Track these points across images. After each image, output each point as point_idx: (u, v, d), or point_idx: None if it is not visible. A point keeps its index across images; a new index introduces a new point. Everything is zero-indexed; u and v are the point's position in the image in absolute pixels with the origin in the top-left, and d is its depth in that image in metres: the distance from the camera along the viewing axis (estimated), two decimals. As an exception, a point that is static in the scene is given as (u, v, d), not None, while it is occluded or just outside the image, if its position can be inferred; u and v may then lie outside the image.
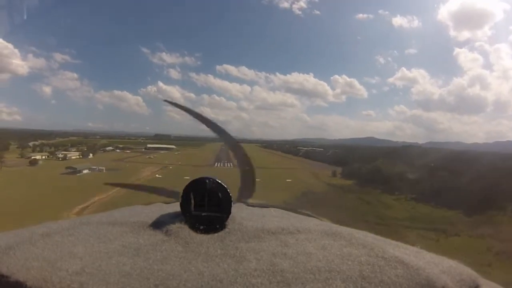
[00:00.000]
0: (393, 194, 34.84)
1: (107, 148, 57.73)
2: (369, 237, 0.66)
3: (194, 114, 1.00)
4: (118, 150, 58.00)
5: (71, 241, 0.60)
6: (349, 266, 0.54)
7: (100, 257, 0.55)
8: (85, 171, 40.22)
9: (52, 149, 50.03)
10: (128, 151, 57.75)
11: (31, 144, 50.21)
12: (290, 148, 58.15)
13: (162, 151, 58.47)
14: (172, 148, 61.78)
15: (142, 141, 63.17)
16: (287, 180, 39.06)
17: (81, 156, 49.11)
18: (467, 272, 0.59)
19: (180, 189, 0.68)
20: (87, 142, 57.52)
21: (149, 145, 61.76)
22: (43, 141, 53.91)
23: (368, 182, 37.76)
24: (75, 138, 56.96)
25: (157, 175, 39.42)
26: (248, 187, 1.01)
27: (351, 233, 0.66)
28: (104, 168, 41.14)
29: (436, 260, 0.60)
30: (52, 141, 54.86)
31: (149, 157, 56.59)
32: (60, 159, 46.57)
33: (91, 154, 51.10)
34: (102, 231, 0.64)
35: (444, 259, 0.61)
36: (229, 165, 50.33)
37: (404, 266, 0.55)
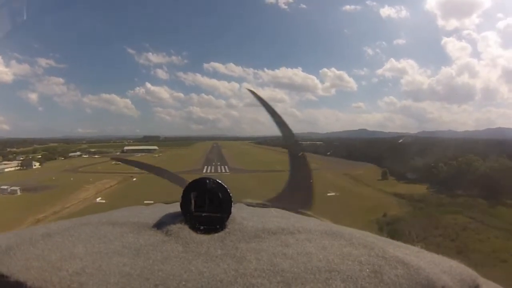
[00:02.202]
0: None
1: (72, 154, 50.40)
2: (369, 237, 0.65)
3: (272, 114, 0.94)
4: (85, 156, 50.71)
5: (71, 242, 0.59)
6: (349, 266, 0.54)
7: (100, 258, 0.55)
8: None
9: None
10: (97, 156, 50.45)
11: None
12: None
13: (139, 154, 51.27)
14: (154, 149, 55.55)
15: (127, 143, 59.11)
16: (329, 194, 27.99)
17: (20, 167, 38.05)
18: (468, 272, 0.59)
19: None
20: (65, 148, 52.03)
21: (126, 147, 55.91)
22: (13, 149, 46.43)
23: (448, 186, 28.63)
24: (55, 144, 52.75)
25: (98, 200, 27.01)
26: (306, 201, 0.93)
27: (351, 233, 0.65)
28: (18, 188, 29.35)
29: (437, 260, 0.59)
30: (17, 149, 47.36)
31: (116, 164, 44.72)
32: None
33: (36, 164, 40.12)
34: (102, 232, 0.63)
35: (444, 259, 0.60)
36: (223, 170, 40.68)
37: (405, 266, 0.54)
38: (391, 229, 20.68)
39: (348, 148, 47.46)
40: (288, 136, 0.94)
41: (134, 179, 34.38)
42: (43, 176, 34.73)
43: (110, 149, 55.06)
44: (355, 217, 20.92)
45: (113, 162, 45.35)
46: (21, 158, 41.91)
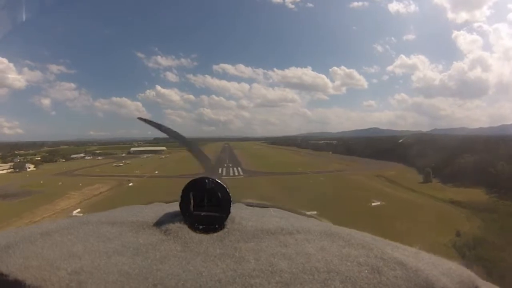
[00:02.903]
0: None
1: (75, 156, 47.80)
2: (368, 238, 0.64)
3: (164, 129, 1.01)
4: (87, 157, 48.05)
5: (70, 240, 0.59)
6: (348, 267, 0.54)
7: (99, 257, 0.55)
8: None
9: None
10: (100, 158, 48.00)
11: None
12: (302, 143, 56.80)
13: (145, 155, 48.75)
14: (162, 150, 51.78)
15: (137, 145, 56.84)
16: (373, 204, 23.89)
17: (12, 170, 34.69)
18: (466, 273, 0.58)
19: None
20: (72, 150, 50.90)
21: (133, 148, 52.93)
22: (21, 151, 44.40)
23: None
24: (66, 147, 52.11)
25: (75, 212, 21.41)
26: (208, 165, 0.99)
27: (350, 233, 0.65)
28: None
29: (435, 262, 0.59)
30: (25, 151, 45.49)
31: (117, 165, 40.50)
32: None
33: (31, 166, 36.70)
34: (101, 231, 0.63)
35: (443, 260, 0.60)
36: (236, 172, 35.93)
37: (403, 267, 0.54)
38: (478, 255, 14.17)
39: (370, 146, 43.55)
40: (186, 142, 0.99)
41: (131, 184, 29.92)
42: (32, 179, 31.27)
43: (117, 151, 52.94)
44: (421, 237, 14.77)
45: (114, 164, 41.41)
46: (18, 160, 38.88)
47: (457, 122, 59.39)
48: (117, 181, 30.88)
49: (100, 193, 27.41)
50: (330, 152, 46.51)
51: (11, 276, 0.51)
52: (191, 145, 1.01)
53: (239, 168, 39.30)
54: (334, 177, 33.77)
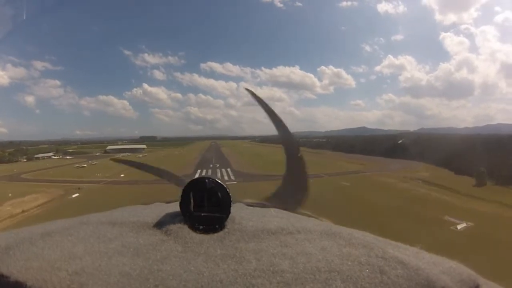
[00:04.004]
0: None
1: (41, 155, 42.53)
2: (369, 238, 0.64)
3: (271, 113, 0.99)
4: (54, 157, 42.96)
5: (70, 241, 0.59)
6: (349, 267, 0.54)
7: (100, 257, 0.55)
8: None
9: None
10: (68, 158, 42.83)
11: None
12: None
13: (121, 154, 43.15)
14: (141, 148, 48.72)
15: (121, 144, 55.17)
16: (459, 227, 16.42)
17: None
18: (467, 272, 0.58)
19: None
20: (43, 149, 45.80)
21: (110, 147, 49.62)
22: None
23: None
24: (46, 146, 47.86)
25: None
26: (298, 197, 0.95)
27: (351, 233, 0.64)
28: None
29: (436, 261, 0.59)
30: None
31: (80, 166, 34.44)
32: None
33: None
34: (102, 231, 0.63)
35: (444, 259, 0.60)
36: (225, 175, 28.84)
37: (404, 267, 0.54)
38: None
39: (373, 144, 40.37)
40: (287, 137, 0.96)
41: (76, 195, 23.49)
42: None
43: (94, 150, 48.83)
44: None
45: (77, 165, 35.34)
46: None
47: (443, 122, 61.76)
48: (62, 190, 24.63)
49: (32, 208, 21.29)
50: (329, 151, 43.02)
51: (12, 277, 0.51)
52: (283, 132, 0.95)
53: (228, 170, 32.82)
54: (359, 181, 27.11)
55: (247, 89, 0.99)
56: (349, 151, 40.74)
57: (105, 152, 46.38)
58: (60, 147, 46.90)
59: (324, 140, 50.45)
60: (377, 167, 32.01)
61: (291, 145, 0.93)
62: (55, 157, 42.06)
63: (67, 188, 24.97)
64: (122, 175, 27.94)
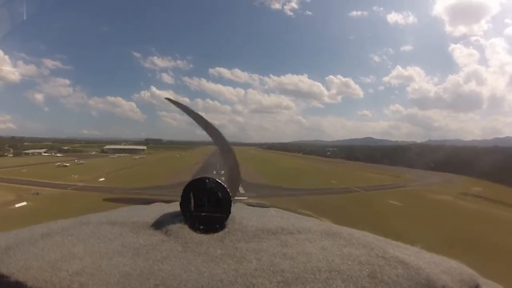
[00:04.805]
0: None
1: (31, 151, 39.33)
2: (369, 237, 0.65)
3: (192, 114, 1.01)
4: (45, 154, 39.49)
5: (71, 241, 0.59)
6: (349, 266, 0.54)
7: (100, 257, 0.55)
8: None
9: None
10: (59, 155, 39.26)
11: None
12: (304, 148, 55.07)
13: (117, 154, 40.52)
14: (141, 149, 44.69)
15: (124, 145, 51.65)
16: None
17: None
18: (468, 272, 0.59)
19: None
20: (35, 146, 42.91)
21: (107, 146, 45.72)
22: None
23: None
24: (49, 143, 45.89)
25: None
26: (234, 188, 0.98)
27: (351, 233, 0.65)
28: None
29: (437, 260, 0.59)
30: None
31: (62, 165, 30.19)
32: None
33: None
34: (102, 231, 0.63)
35: (444, 259, 0.60)
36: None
37: (405, 266, 0.54)
38: None
39: (393, 154, 37.08)
40: (218, 138, 0.97)
41: (23, 203, 17.26)
42: None
43: (90, 149, 46.10)
44: None
45: (58, 164, 31.02)
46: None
47: (450, 134, 61.13)
48: (15, 194, 19.09)
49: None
50: (343, 159, 38.93)
51: (12, 277, 0.50)
52: (214, 133, 0.94)
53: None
54: (409, 199, 19.94)
55: (166, 98, 1.00)
56: (366, 160, 36.60)
57: (103, 151, 43.24)
58: (58, 144, 44.58)
59: (336, 149, 48.07)
60: (411, 178, 26.13)
61: (224, 145, 0.94)
62: (46, 154, 38.46)
63: (22, 191, 19.45)
64: (101, 179, 23.03)
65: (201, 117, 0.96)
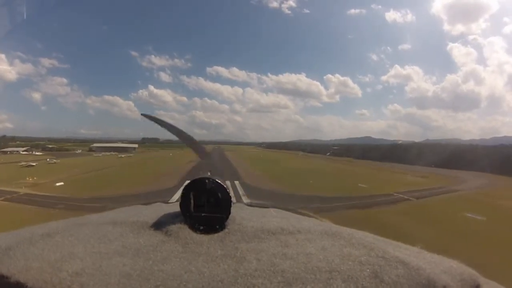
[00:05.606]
0: None
1: (8, 149, 36.47)
2: (369, 237, 0.65)
3: (167, 126, 1.07)
4: (23, 152, 36.25)
5: (71, 242, 0.59)
6: (350, 266, 0.54)
7: (100, 258, 0.55)
8: None
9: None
10: (38, 153, 36.16)
11: None
12: (306, 147, 53.85)
13: (102, 153, 37.87)
14: (132, 148, 41.95)
15: (120, 144, 49.37)
16: None
17: None
18: (468, 272, 0.58)
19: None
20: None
21: (95, 144, 43.03)
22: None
23: None
24: (42, 142, 44.14)
25: None
26: (202, 154, 1.04)
27: (351, 233, 0.65)
28: None
29: (437, 260, 0.59)
30: None
31: (27, 164, 26.21)
32: None
33: None
34: (102, 232, 0.63)
35: (444, 259, 0.60)
36: (234, 190, 16.14)
37: (405, 266, 0.54)
38: None
39: (410, 152, 33.70)
40: (191, 141, 1.05)
41: None
42: None
43: (76, 147, 43.51)
44: None
45: (23, 162, 26.75)
46: None
47: (449, 133, 60.07)
48: None
49: None
50: (349, 158, 36.63)
51: (12, 278, 0.50)
52: (186, 138, 1.01)
53: (236, 183, 18.32)
54: (483, 209, 14.05)
55: (142, 114, 0.94)
56: (380, 159, 33.72)
57: (90, 149, 40.25)
58: (46, 143, 41.97)
59: (337, 147, 47.18)
60: (454, 182, 21.15)
61: (197, 147, 0.96)
62: (24, 153, 34.65)
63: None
64: (59, 184, 18.22)
65: (174, 127, 1.05)
